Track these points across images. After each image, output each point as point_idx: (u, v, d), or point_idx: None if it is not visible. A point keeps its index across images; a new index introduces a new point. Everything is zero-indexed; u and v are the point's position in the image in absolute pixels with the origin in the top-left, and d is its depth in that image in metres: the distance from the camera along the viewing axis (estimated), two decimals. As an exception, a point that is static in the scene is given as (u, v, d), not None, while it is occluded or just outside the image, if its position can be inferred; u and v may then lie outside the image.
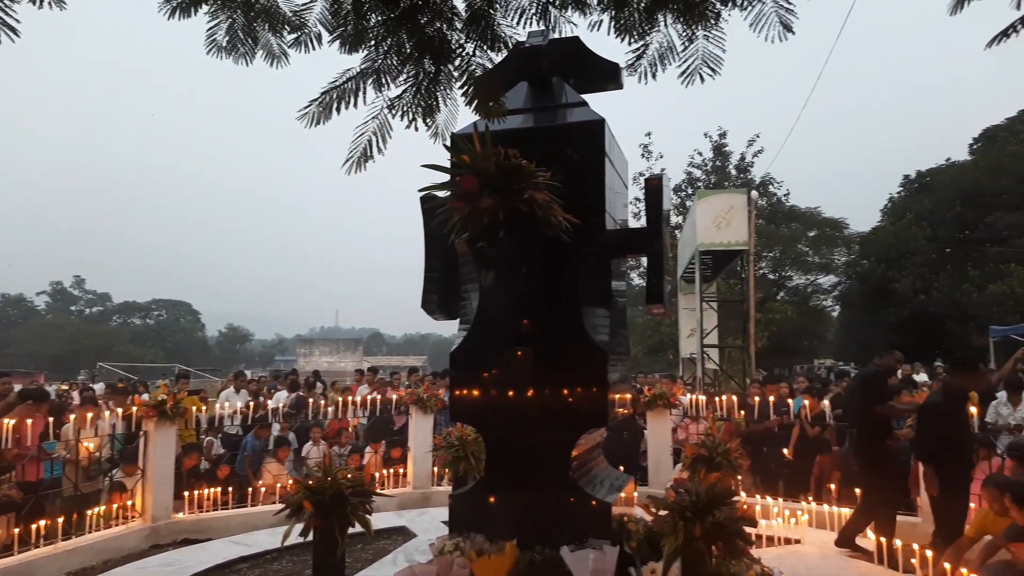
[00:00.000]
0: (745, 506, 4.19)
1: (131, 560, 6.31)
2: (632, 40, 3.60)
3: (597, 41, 4.44)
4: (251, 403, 9.62)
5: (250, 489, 7.96)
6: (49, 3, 2.77)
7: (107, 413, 7.99)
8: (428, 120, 3.45)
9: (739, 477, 6.75)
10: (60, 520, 6.25)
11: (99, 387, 16.68)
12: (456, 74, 3.32)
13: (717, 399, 9.28)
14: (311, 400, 10.69)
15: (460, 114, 3.55)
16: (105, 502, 7.14)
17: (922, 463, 5.82)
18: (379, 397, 9.85)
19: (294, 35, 3.66)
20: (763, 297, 28.06)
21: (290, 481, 6.43)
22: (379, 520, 6.28)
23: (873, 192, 49.96)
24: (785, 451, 8.80)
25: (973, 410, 6.38)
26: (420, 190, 4.26)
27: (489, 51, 3.35)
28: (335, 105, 3.41)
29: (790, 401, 9.68)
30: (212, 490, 7.68)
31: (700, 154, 34.52)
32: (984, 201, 29.80)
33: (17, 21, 2.47)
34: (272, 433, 9.56)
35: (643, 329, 30.17)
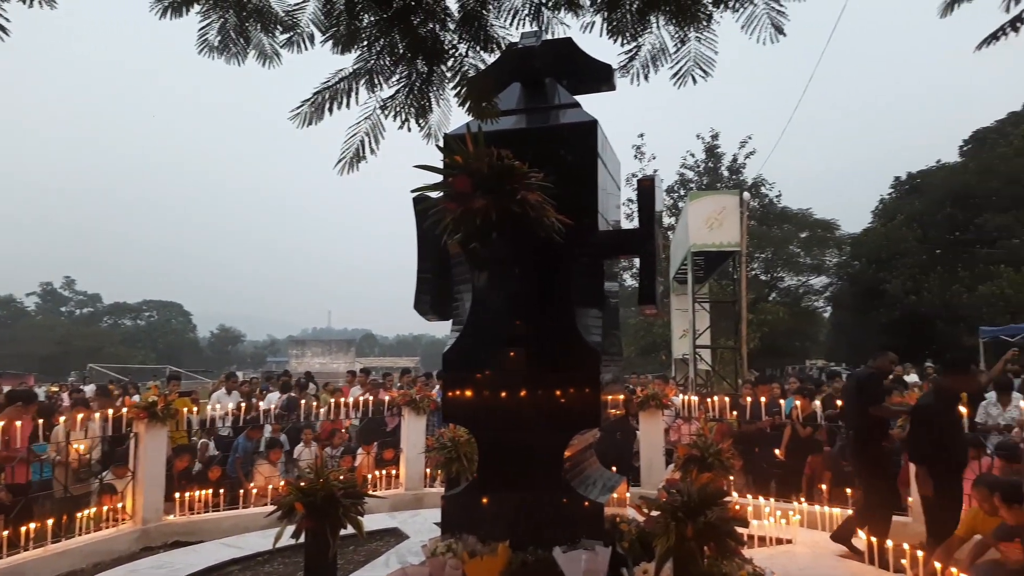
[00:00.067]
0: (737, 506, 4.20)
1: (121, 563, 6.27)
2: (624, 42, 3.61)
3: (590, 42, 4.45)
4: (242, 404, 9.57)
5: (241, 491, 7.93)
6: (39, 2, 2.76)
7: (97, 415, 7.95)
8: (421, 121, 3.45)
9: (731, 477, 6.77)
10: (50, 522, 6.20)
11: (89, 389, 16.57)
12: (449, 75, 3.32)
13: (709, 400, 9.30)
14: (303, 401, 10.66)
15: (453, 115, 3.56)
16: (95, 504, 7.10)
17: (915, 464, 5.85)
18: (371, 398, 9.83)
19: (286, 35, 3.65)
20: (755, 298, 28.16)
21: (281, 483, 6.41)
22: (371, 522, 6.27)
23: (864, 193, 50.22)
24: (777, 451, 8.83)
25: (963, 410, 6.42)
26: (413, 191, 4.25)
27: (482, 52, 3.35)
28: (327, 105, 3.40)
29: (782, 402, 9.71)
30: (203, 492, 7.64)
31: (692, 155, 34.64)
32: (974, 203, 30.00)
33: (7, 20, 2.46)
34: (264, 435, 9.53)
35: (636, 330, 30.22)
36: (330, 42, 3.45)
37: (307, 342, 58.44)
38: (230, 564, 6.15)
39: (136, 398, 11.02)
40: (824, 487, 7.81)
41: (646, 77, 3.74)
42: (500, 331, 4.40)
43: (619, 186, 5.19)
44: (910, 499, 6.71)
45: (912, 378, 14.86)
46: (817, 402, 9.20)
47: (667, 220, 29.93)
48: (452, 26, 3.33)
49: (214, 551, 6.44)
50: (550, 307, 4.34)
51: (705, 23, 3.46)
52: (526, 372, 4.30)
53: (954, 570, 4.76)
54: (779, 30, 3.39)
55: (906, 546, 5.43)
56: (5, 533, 5.88)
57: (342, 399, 10.05)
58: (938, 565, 4.93)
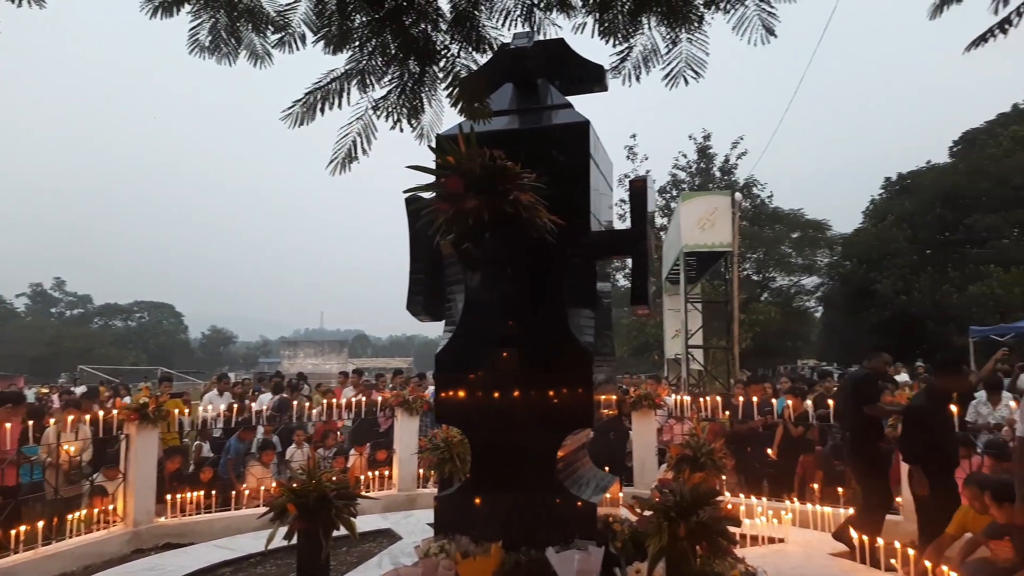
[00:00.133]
0: (729, 506, 4.22)
1: (113, 565, 6.23)
2: (616, 42, 3.62)
3: (582, 43, 4.46)
4: (235, 406, 9.54)
5: (233, 492, 7.90)
6: (28, 1, 2.74)
7: (87, 416, 7.90)
8: (413, 121, 3.45)
9: (723, 477, 6.79)
10: (40, 525, 6.16)
11: (80, 390, 16.48)
12: (441, 75, 3.32)
13: (702, 400, 9.32)
14: (295, 403, 10.63)
15: (445, 115, 3.55)
16: (86, 506, 7.06)
17: (908, 463, 5.86)
18: (364, 399, 9.81)
19: (278, 35, 3.64)
20: (747, 298, 28.26)
21: (274, 484, 6.39)
22: (364, 523, 6.25)
23: (855, 194, 50.49)
24: (769, 451, 8.86)
25: (954, 409, 6.45)
26: (405, 191, 4.25)
27: (474, 52, 3.35)
28: (319, 106, 3.40)
29: (774, 401, 9.75)
30: (195, 494, 7.61)
31: (684, 156, 34.79)
32: (964, 203, 30.22)
33: (-4, 19, 2.44)
34: (256, 436, 9.49)
35: (628, 330, 30.28)
36: (322, 42, 3.45)
37: (299, 343, 58.36)
38: (222, 566, 6.12)
39: (127, 400, 10.96)
40: (816, 486, 7.83)
41: (638, 78, 3.76)
42: (493, 332, 4.40)
43: (611, 187, 5.20)
44: (898, 499, 6.74)
45: (903, 377, 14.94)
46: (808, 402, 9.24)
47: (659, 220, 30.02)
48: (444, 27, 3.33)
49: (206, 553, 6.41)
50: (543, 308, 4.34)
51: (696, 24, 3.47)
52: (519, 372, 4.30)
53: (945, 568, 4.79)
54: (770, 31, 3.40)
55: (897, 545, 5.46)
56: (-5, 536, 5.85)
57: (334, 400, 10.04)
58: (928, 564, 4.96)
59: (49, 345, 57.55)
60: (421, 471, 8.60)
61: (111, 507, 7.01)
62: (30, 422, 7.13)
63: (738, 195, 18.96)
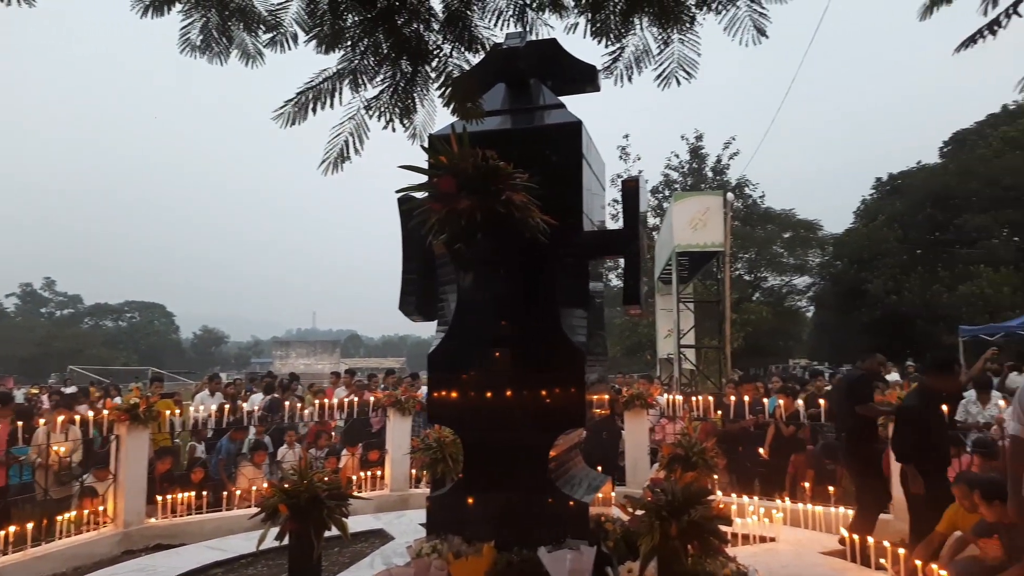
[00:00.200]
0: (721, 505, 4.23)
1: (103, 566, 6.19)
2: (608, 43, 3.63)
3: (574, 44, 4.46)
4: (226, 406, 9.50)
5: (225, 493, 7.87)
6: (18, 0, 2.73)
7: (77, 417, 7.86)
8: (405, 121, 3.44)
9: (715, 476, 6.80)
10: (30, 526, 6.13)
11: (70, 391, 16.38)
12: (433, 75, 3.32)
13: (694, 399, 9.35)
14: (287, 403, 10.59)
15: (438, 115, 3.56)
16: (76, 507, 7.02)
17: (901, 463, 5.88)
18: (356, 399, 9.78)
19: (269, 35, 3.63)
20: (739, 298, 28.35)
21: (265, 485, 6.37)
22: (356, 523, 6.25)
23: (846, 194, 50.72)
24: (760, 450, 8.89)
25: (945, 408, 6.48)
26: (398, 191, 4.24)
27: (466, 52, 3.35)
28: (311, 105, 3.39)
29: (765, 401, 9.79)
30: (186, 494, 7.57)
31: (677, 156, 34.86)
32: (954, 203, 30.40)
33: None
34: (248, 436, 9.46)
35: (621, 330, 30.33)
36: (314, 42, 3.44)
37: (291, 343, 58.13)
38: (213, 567, 6.10)
39: (118, 400, 10.90)
40: (807, 485, 7.87)
41: (630, 79, 3.76)
42: (485, 332, 4.40)
43: (604, 187, 5.21)
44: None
45: (893, 377, 15.02)
46: (800, 401, 9.27)
47: (652, 221, 30.05)
48: (436, 26, 3.33)
49: (197, 554, 6.39)
50: (535, 307, 4.34)
51: (688, 25, 3.48)
52: (511, 372, 4.30)
53: (934, 566, 4.82)
54: (761, 32, 3.42)
55: (887, 543, 5.49)
56: (-16, 537, 5.81)
57: (326, 400, 10.00)
58: (918, 562, 4.99)
59: (39, 345, 57.14)
60: (413, 471, 8.59)
61: (101, 508, 6.98)
62: (19, 423, 7.09)
63: (730, 195, 19.01)
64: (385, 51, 3.32)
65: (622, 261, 4.74)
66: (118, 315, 79.03)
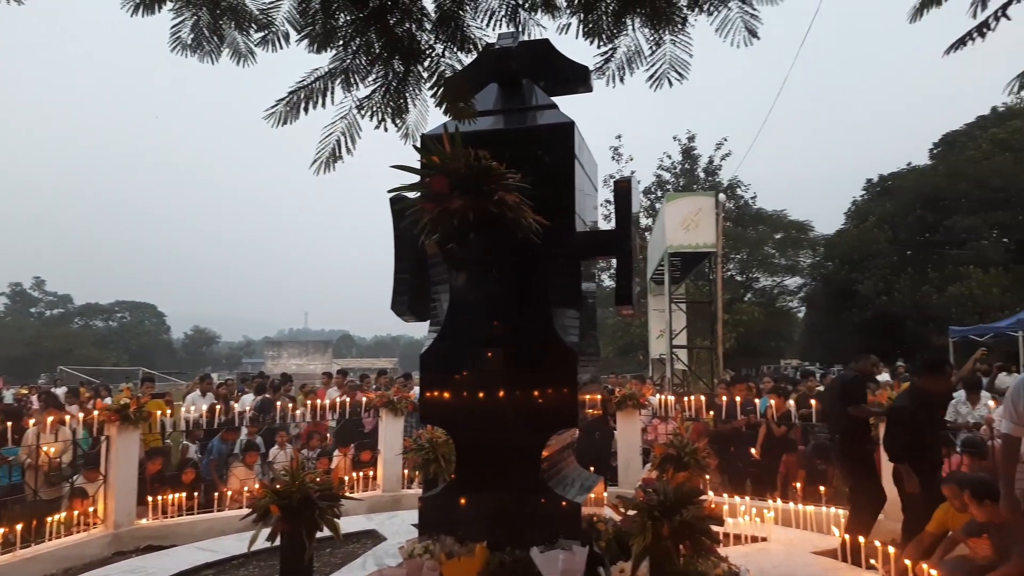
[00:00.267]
0: (712, 505, 4.24)
1: (93, 568, 6.16)
2: (601, 43, 3.63)
3: (566, 44, 4.46)
4: (217, 407, 9.47)
5: (216, 494, 7.84)
6: (7, -2, 2.71)
7: (68, 417, 7.81)
8: (397, 121, 3.43)
9: (707, 476, 6.82)
10: (19, 527, 6.08)
11: (61, 391, 16.28)
12: (426, 75, 3.31)
13: (686, 399, 9.37)
14: (279, 403, 10.56)
15: (430, 115, 3.55)
16: (66, 508, 6.98)
17: (895, 463, 5.89)
18: (348, 400, 9.77)
19: (261, 34, 3.61)
20: (731, 298, 28.45)
21: (257, 485, 6.35)
22: (348, 524, 6.23)
23: (837, 195, 50.97)
24: (752, 450, 8.93)
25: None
26: (390, 190, 4.23)
27: (459, 52, 3.35)
28: (303, 105, 3.38)
29: (757, 401, 9.83)
30: (177, 495, 7.54)
31: (669, 157, 34.96)
32: (944, 205, 30.57)
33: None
34: (240, 437, 9.42)
35: (614, 330, 30.37)
36: (305, 41, 3.43)
37: (283, 343, 58.04)
38: (204, 568, 6.08)
39: (108, 400, 10.84)
40: (798, 485, 7.90)
41: (622, 79, 3.77)
42: (478, 332, 4.40)
43: (596, 187, 5.21)
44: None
45: (883, 377, 15.11)
46: (791, 401, 9.31)
47: (644, 221, 30.14)
48: (429, 26, 3.33)
49: (188, 555, 6.36)
50: (527, 308, 4.34)
51: (680, 26, 3.49)
52: (504, 373, 4.29)
53: (924, 566, 4.84)
54: (752, 33, 3.43)
55: (877, 543, 5.51)
56: (-28, 539, 5.77)
57: (318, 401, 9.98)
58: (908, 562, 5.01)
59: (29, 345, 56.77)
60: (406, 472, 8.58)
61: (91, 509, 6.94)
62: (8, 423, 7.04)
63: (722, 196, 19.06)
64: (377, 50, 3.31)
65: (614, 261, 4.74)
66: (108, 315, 78.61)
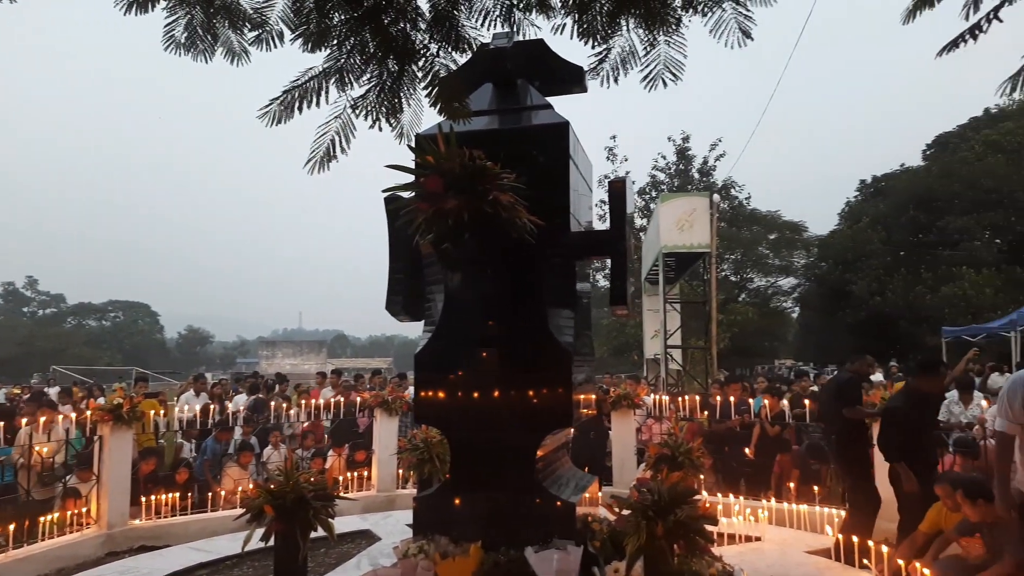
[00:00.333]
0: (707, 504, 4.25)
1: (86, 568, 6.14)
2: (595, 44, 3.64)
3: (561, 44, 4.47)
4: (211, 406, 9.44)
5: (210, 494, 7.82)
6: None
7: (60, 418, 7.78)
8: (392, 120, 3.43)
9: (701, 476, 6.83)
10: (12, 528, 6.05)
11: (54, 391, 16.21)
12: (420, 75, 3.31)
13: (680, 399, 9.39)
14: (273, 403, 10.53)
15: (425, 115, 3.55)
16: (59, 508, 6.95)
17: (891, 463, 5.90)
18: (343, 400, 9.74)
19: (255, 33, 3.60)
20: (725, 299, 28.50)
21: (251, 485, 6.33)
22: (343, 524, 6.22)
23: (831, 196, 51.09)
24: (746, 450, 8.94)
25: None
26: (385, 190, 4.23)
27: (453, 52, 3.35)
28: (297, 104, 3.37)
29: (751, 401, 9.85)
30: (170, 495, 7.51)
31: (664, 157, 35.02)
32: (937, 205, 30.67)
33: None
34: (234, 437, 9.39)
35: (608, 330, 30.40)
36: (300, 40, 3.42)
37: (277, 343, 57.90)
38: (198, 568, 6.06)
39: (101, 400, 10.80)
40: (792, 485, 7.92)
41: (616, 80, 3.78)
42: (472, 332, 4.40)
43: (591, 187, 5.22)
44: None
45: (877, 377, 15.16)
46: (785, 401, 9.33)
47: (639, 221, 30.17)
48: (423, 26, 3.33)
49: (181, 555, 6.34)
50: (522, 308, 4.34)
51: (674, 27, 3.50)
52: (498, 372, 4.30)
53: (917, 565, 4.86)
54: (746, 34, 3.44)
55: (871, 542, 5.53)
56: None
57: (313, 401, 9.96)
58: (901, 561, 5.03)
59: (21, 345, 56.46)
60: (400, 472, 8.57)
61: (84, 509, 6.91)
62: (1, 423, 7.01)
63: (716, 196, 19.11)
64: (372, 50, 3.31)
65: (609, 262, 4.75)
66: (101, 314, 78.19)
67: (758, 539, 6.62)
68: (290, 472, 5.00)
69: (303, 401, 10.37)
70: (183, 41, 3.56)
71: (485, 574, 3.98)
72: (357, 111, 3.37)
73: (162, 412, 9.39)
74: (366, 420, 9.70)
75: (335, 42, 3.34)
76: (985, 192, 28.89)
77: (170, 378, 36.55)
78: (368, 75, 3.37)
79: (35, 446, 7.16)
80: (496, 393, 4.27)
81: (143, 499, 7.28)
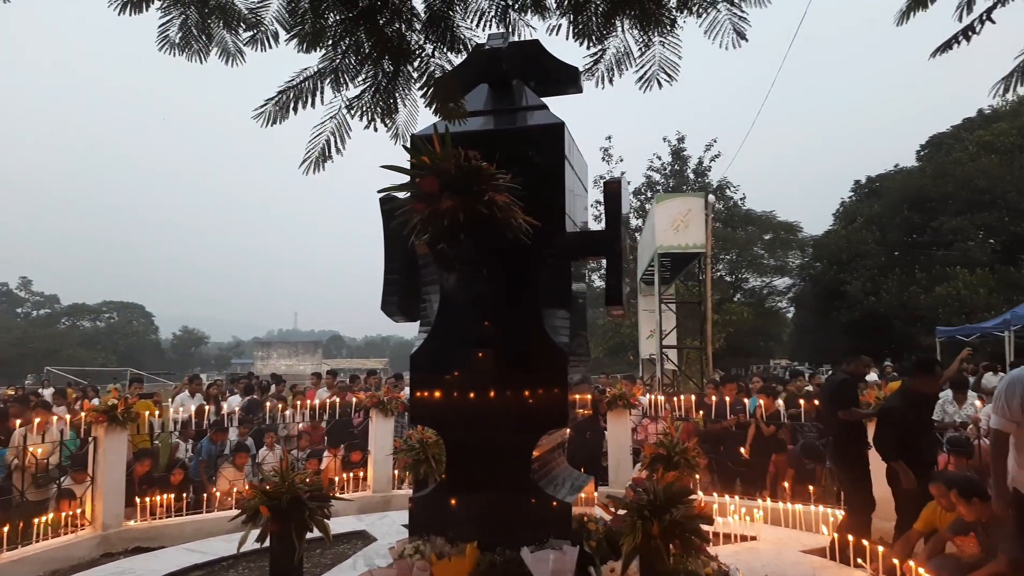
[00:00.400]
0: (702, 504, 4.26)
1: (81, 569, 6.12)
2: (590, 45, 3.64)
3: (556, 45, 4.47)
4: (206, 407, 9.42)
5: (205, 495, 7.80)
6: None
7: (55, 419, 7.75)
8: (387, 121, 3.44)
9: (696, 476, 6.84)
10: (6, 529, 6.03)
11: (48, 392, 16.15)
12: (416, 75, 3.31)
13: (675, 399, 9.40)
14: (268, 404, 10.51)
15: (420, 115, 3.55)
16: (54, 510, 6.93)
17: (889, 462, 5.92)
18: (338, 400, 9.74)
19: (249, 33, 3.60)
20: (720, 299, 28.54)
21: (246, 486, 6.32)
22: (338, 524, 6.21)
23: (826, 197, 51.26)
24: (741, 450, 8.96)
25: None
26: (380, 191, 4.23)
27: (449, 52, 3.35)
28: (292, 105, 3.37)
29: (746, 401, 9.87)
30: (165, 496, 7.49)
31: (659, 158, 35.07)
32: (930, 206, 30.77)
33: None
34: (229, 437, 9.38)
35: (604, 331, 30.43)
36: (295, 40, 3.42)
37: (273, 344, 57.88)
38: (193, 570, 6.05)
39: (96, 401, 10.76)
40: (787, 484, 7.94)
41: (611, 80, 3.78)
42: (468, 332, 4.40)
43: (586, 188, 5.22)
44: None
45: (871, 377, 15.20)
46: (780, 401, 9.35)
47: (634, 222, 30.22)
48: (418, 26, 3.33)
49: (176, 556, 6.33)
50: (518, 308, 4.35)
51: (669, 28, 3.50)
52: (494, 373, 4.30)
53: (912, 564, 4.88)
54: (741, 35, 3.45)
55: (865, 542, 5.55)
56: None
57: (308, 402, 9.94)
58: (896, 560, 5.05)
59: (15, 346, 56.25)
60: (396, 472, 8.56)
61: (79, 510, 6.89)
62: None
63: (711, 197, 19.13)
64: (367, 50, 3.31)
65: (604, 262, 4.75)
66: (96, 315, 77.91)
67: (753, 538, 6.64)
68: (286, 473, 5.00)
69: (298, 402, 10.36)
70: (178, 41, 3.56)
71: (481, 574, 3.98)
72: (352, 111, 3.37)
73: (157, 413, 9.37)
74: (361, 419, 9.69)
75: (330, 42, 3.34)
76: (979, 192, 29.00)
77: (165, 379, 36.47)
78: (363, 75, 3.37)
79: (29, 447, 7.14)
80: (492, 393, 4.27)
81: (138, 500, 7.27)
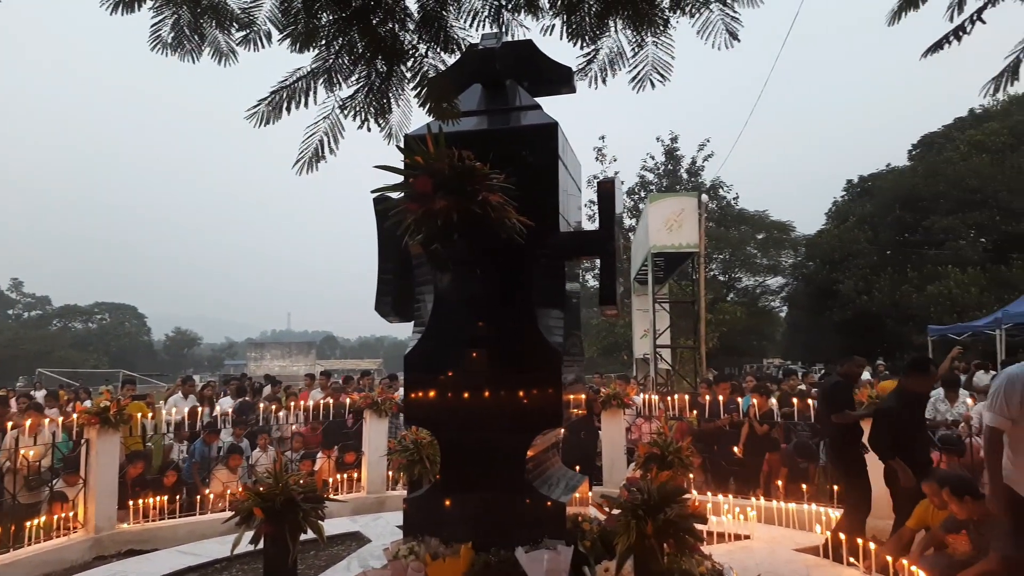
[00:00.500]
0: (696, 503, 4.27)
1: (73, 572, 6.10)
2: (584, 45, 3.65)
3: (549, 45, 4.48)
4: (199, 409, 9.38)
5: (198, 497, 7.77)
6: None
7: (47, 421, 7.71)
8: (381, 121, 3.43)
9: (690, 475, 6.86)
10: (-4, 533, 6.01)
11: (39, 394, 16.06)
12: (409, 75, 3.31)
13: (669, 399, 9.42)
14: (261, 405, 10.48)
15: (414, 115, 3.54)
16: (46, 513, 6.89)
17: (886, 461, 5.93)
18: (332, 401, 9.71)
19: (242, 33, 3.59)
20: (713, 298, 28.62)
21: (239, 488, 6.30)
22: (332, 526, 6.20)
23: (818, 196, 51.42)
24: (735, 449, 8.98)
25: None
26: (373, 191, 4.22)
27: (442, 52, 3.35)
28: (285, 105, 3.36)
29: (739, 400, 9.89)
30: (158, 499, 7.46)
31: (652, 158, 35.14)
32: (922, 205, 30.93)
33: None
34: (222, 439, 9.34)
35: (598, 330, 30.46)
36: (288, 40, 3.41)
37: (266, 345, 57.65)
38: (187, 572, 6.02)
39: (88, 403, 10.71)
40: (781, 483, 7.96)
41: (604, 80, 3.79)
42: (462, 332, 4.40)
43: (580, 188, 5.23)
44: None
45: (864, 376, 15.25)
46: (773, 400, 9.37)
47: (628, 222, 30.25)
48: (412, 26, 3.33)
49: (169, 559, 6.30)
50: (512, 308, 4.34)
51: (662, 28, 3.51)
52: (488, 373, 4.29)
53: (904, 562, 4.90)
54: (733, 36, 3.46)
55: (859, 540, 5.57)
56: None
57: (302, 403, 9.91)
58: (889, 558, 5.07)
59: (6, 348, 55.91)
60: (390, 473, 8.55)
61: (71, 513, 6.85)
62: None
63: (704, 196, 19.19)
64: (360, 50, 3.30)
65: (598, 262, 4.76)
66: (88, 317, 77.51)
67: (747, 537, 6.65)
68: (279, 474, 4.98)
69: (292, 403, 10.32)
70: (170, 41, 3.54)
71: (475, 575, 3.98)
72: (346, 111, 3.36)
73: (150, 415, 9.32)
74: (354, 421, 9.67)
75: (323, 42, 3.34)
76: (970, 192, 29.17)
77: (157, 380, 36.29)
78: (356, 75, 3.36)
79: (21, 450, 7.10)
80: (486, 394, 4.27)
81: (131, 503, 7.23)
